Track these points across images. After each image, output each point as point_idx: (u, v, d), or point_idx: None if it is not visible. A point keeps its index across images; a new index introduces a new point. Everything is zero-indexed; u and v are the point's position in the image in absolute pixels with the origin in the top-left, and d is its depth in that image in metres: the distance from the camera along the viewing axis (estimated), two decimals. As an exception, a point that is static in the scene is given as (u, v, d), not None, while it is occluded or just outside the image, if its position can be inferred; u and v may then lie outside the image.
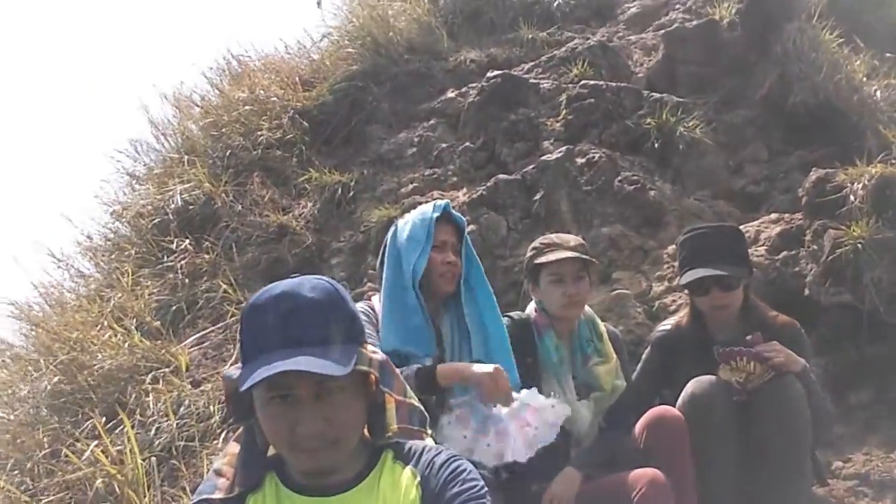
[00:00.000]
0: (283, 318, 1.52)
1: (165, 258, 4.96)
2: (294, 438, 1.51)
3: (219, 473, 1.66)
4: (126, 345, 4.19)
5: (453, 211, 3.22)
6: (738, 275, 3.32)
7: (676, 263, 3.59)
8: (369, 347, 1.67)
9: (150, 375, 4.02)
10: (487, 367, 2.84)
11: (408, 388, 1.82)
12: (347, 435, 1.59)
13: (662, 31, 6.48)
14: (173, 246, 5.02)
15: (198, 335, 4.26)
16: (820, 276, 4.25)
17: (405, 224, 3.15)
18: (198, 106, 6.42)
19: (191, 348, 4.26)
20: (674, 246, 4.75)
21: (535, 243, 3.49)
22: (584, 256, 3.31)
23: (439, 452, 1.72)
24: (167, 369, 4.04)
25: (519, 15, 7.51)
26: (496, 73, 6.17)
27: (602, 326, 3.56)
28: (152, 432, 3.73)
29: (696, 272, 3.28)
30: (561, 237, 3.46)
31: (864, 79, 5.48)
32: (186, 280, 4.82)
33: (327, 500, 1.61)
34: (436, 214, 3.11)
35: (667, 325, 3.67)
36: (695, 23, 6.14)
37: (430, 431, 1.88)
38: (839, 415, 3.82)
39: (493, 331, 3.14)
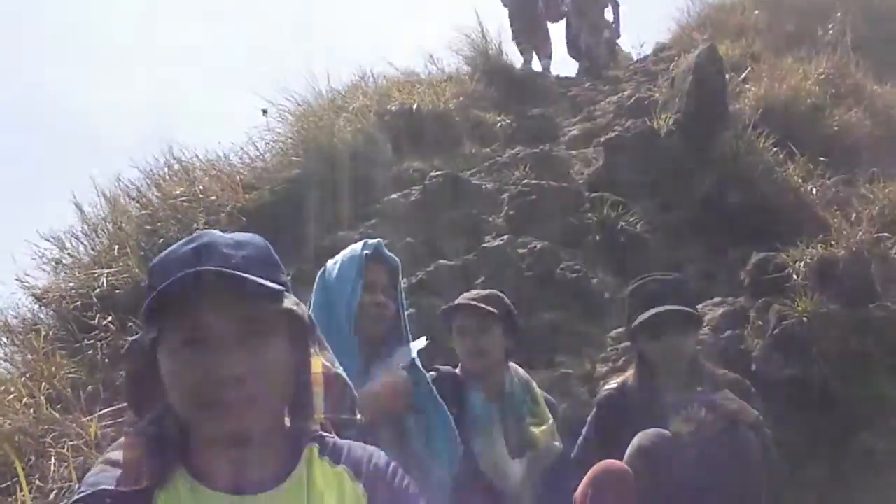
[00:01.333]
0: (196, 253, 1.30)
1: (85, 339, 4.68)
2: (208, 389, 1.24)
3: (114, 464, 1.32)
4: (31, 411, 3.87)
5: (385, 251, 3.05)
6: (691, 312, 3.23)
7: (626, 316, 3.47)
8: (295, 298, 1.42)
9: (51, 438, 3.68)
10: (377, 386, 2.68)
11: (334, 357, 1.53)
12: (272, 393, 1.33)
13: (603, 138, 6.63)
14: (94, 323, 4.75)
15: (112, 409, 3.94)
16: (767, 350, 4.19)
17: (334, 264, 2.92)
18: (133, 199, 6.30)
19: (103, 424, 3.94)
20: (617, 330, 4.69)
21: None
22: (481, 306, 3.22)
23: (376, 454, 1.52)
24: (74, 441, 3.71)
25: (462, 134, 7.67)
26: (438, 172, 6.20)
27: (538, 391, 3.48)
28: (51, 497, 3.36)
29: (655, 309, 3.17)
30: (475, 292, 3.42)
31: (800, 181, 5.61)
32: (106, 360, 4.53)
33: (253, 497, 1.32)
34: (366, 252, 2.92)
35: (612, 384, 3.53)
36: (634, 131, 6.28)
37: (359, 417, 1.62)
38: (793, 491, 3.66)
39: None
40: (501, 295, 3.38)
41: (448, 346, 4.31)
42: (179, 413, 1.30)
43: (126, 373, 1.38)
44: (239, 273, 1.25)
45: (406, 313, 3.08)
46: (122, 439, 1.36)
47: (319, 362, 1.46)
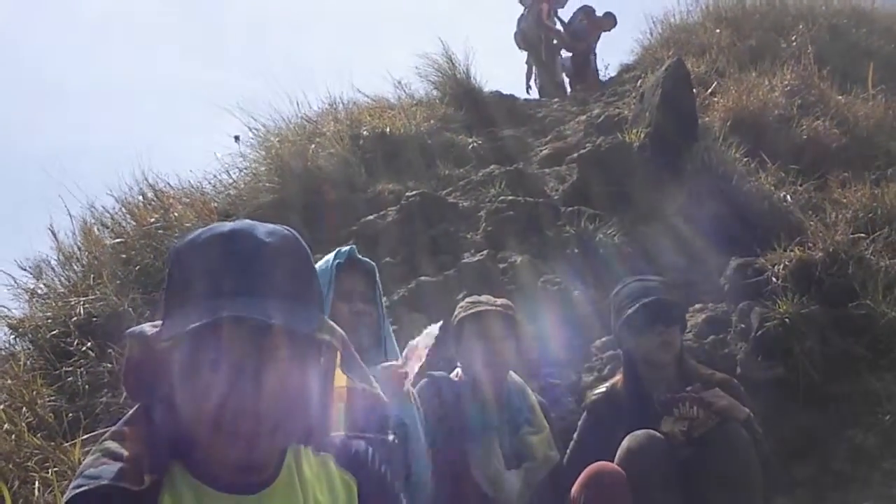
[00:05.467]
0: (231, 259, 1.20)
1: (64, 367, 4.59)
2: (223, 417, 1.18)
3: (114, 456, 1.23)
4: (13, 437, 3.78)
5: (360, 256, 3.00)
6: (676, 302, 3.25)
7: (612, 316, 3.47)
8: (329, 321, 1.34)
9: (34, 463, 3.60)
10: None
11: (371, 377, 1.45)
12: (293, 421, 1.27)
13: (576, 154, 6.66)
14: (72, 349, 4.67)
15: (94, 434, 3.85)
16: (750, 352, 4.20)
17: None
18: (107, 227, 6.23)
19: (86, 451, 3.85)
20: (602, 339, 4.69)
21: (462, 303, 3.39)
22: (508, 313, 3.21)
23: (355, 442, 1.51)
24: (58, 467, 3.63)
25: (436, 156, 7.68)
26: (415, 192, 6.19)
27: (533, 398, 3.43)
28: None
29: (642, 300, 3.19)
30: (488, 298, 3.36)
31: (773, 188, 5.68)
32: (87, 387, 4.44)
33: (255, 497, 1.29)
34: (338, 261, 2.87)
35: (601, 389, 3.53)
36: (607, 146, 6.32)
37: (391, 436, 1.58)
38: (785, 491, 3.66)
39: None
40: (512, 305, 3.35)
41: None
42: (187, 426, 1.24)
43: (125, 361, 1.30)
44: (277, 324, 1.17)
45: (388, 322, 3.05)
46: (119, 428, 1.29)
47: (343, 376, 1.42)
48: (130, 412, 1.32)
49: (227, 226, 1.25)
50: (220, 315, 1.14)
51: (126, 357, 1.31)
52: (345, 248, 2.94)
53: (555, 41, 12.10)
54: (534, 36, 12.06)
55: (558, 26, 12.23)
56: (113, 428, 1.30)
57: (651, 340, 3.21)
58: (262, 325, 1.16)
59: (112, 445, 1.26)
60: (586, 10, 12.22)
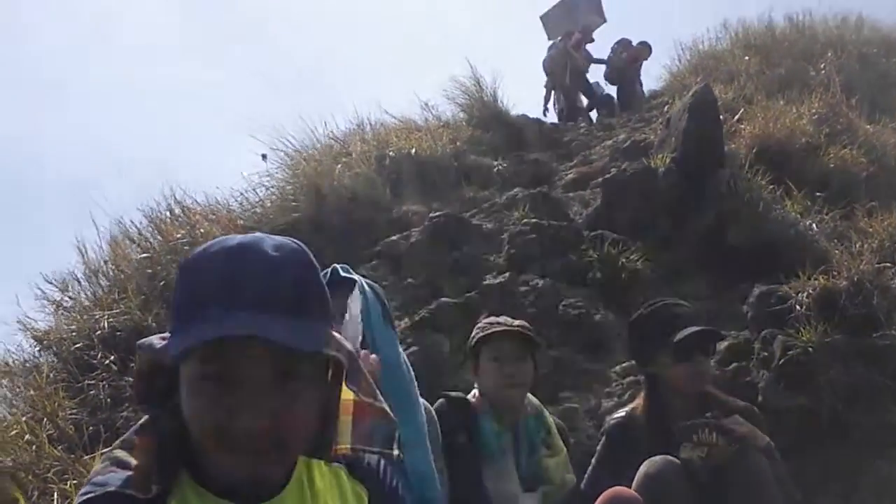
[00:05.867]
0: (238, 274, 1.19)
1: (87, 380, 4.63)
2: (230, 432, 1.17)
3: (123, 465, 1.23)
4: (33, 448, 3.82)
5: (343, 273, 2.78)
6: (720, 334, 3.24)
7: (636, 338, 3.42)
8: (336, 334, 1.34)
9: (53, 475, 3.62)
10: None
11: (377, 391, 1.50)
12: (299, 437, 1.26)
13: (600, 179, 6.66)
14: (95, 362, 4.71)
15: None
16: (773, 380, 4.15)
17: None
18: (134, 242, 6.30)
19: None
20: (622, 365, 4.66)
21: (480, 323, 3.38)
22: (526, 334, 3.19)
23: (367, 454, 1.51)
24: (77, 480, 3.65)
25: (461, 177, 7.72)
26: (439, 213, 6.21)
27: (551, 420, 3.42)
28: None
29: (688, 330, 3.12)
30: (506, 318, 3.34)
31: (799, 216, 5.64)
32: (108, 400, 4.48)
33: None
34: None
35: (620, 413, 3.48)
36: (632, 171, 6.31)
37: (396, 451, 1.58)
38: (808, 524, 3.60)
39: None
40: (529, 326, 3.33)
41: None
42: (195, 439, 1.23)
43: (135, 371, 1.31)
44: (291, 346, 1.16)
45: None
46: (128, 437, 1.30)
47: (349, 410, 1.44)
48: (140, 421, 1.32)
49: (235, 239, 1.24)
50: (221, 334, 1.14)
51: (136, 368, 1.31)
52: (329, 268, 2.85)
53: (581, 68, 12.32)
54: (560, 62, 12.24)
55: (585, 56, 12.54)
56: (123, 437, 1.30)
57: (688, 370, 3.16)
58: (266, 342, 1.16)
59: (121, 454, 1.26)
60: (623, 44, 12.57)
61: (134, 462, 1.24)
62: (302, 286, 1.23)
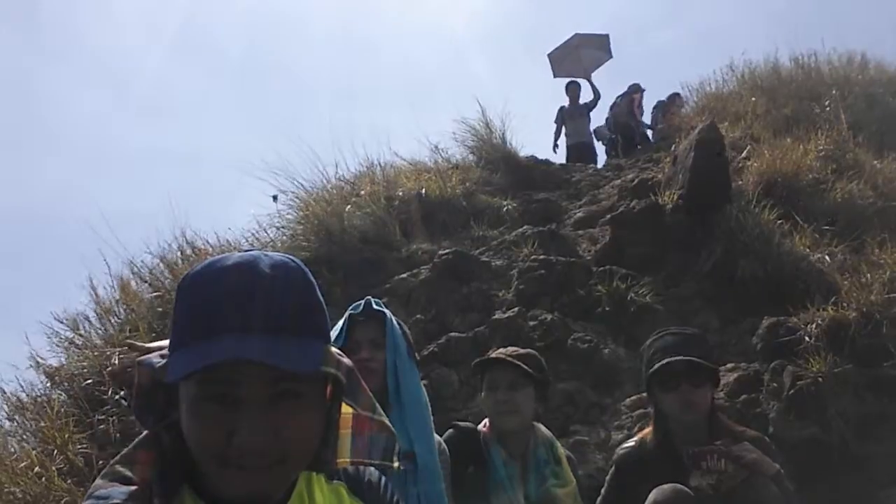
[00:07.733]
0: (234, 296, 1.18)
1: (97, 415, 4.65)
2: (229, 451, 1.16)
3: (124, 480, 1.22)
4: (43, 481, 3.82)
5: (374, 306, 2.94)
6: (707, 364, 3.16)
7: (643, 367, 3.43)
8: (334, 349, 1.33)
9: (65, 507, 3.64)
10: None
11: (376, 404, 1.49)
12: (300, 454, 1.26)
13: (609, 216, 6.69)
14: (106, 398, 4.73)
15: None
16: (784, 411, 4.14)
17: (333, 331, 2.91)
18: (146, 282, 6.34)
19: (114, 499, 3.87)
20: (631, 398, 4.65)
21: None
22: (517, 362, 3.17)
23: (368, 470, 1.51)
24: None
25: (470, 217, 7.77)
26: (448, 250, 6.25)
27: (561, 450, 3.39)
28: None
29: (668, 359, 3.11)
30: (513, 349, 3.34)
31: (807, 250, 5.64)
32: (118, 435, 4.49)
33: None
34: (351, 312, 2.87)
35: (630, 442, 3.46)
36: (640, 208, 6.35)
37: (396, 463, 1.58)
38: (820, 553, 3.56)
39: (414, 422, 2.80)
40: (539, 357, 3.32)
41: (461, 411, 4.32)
42: (194, 457, 1.23)
43: (135, 388, 1.29)
44: (284, 367, 1.16)
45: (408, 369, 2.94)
46: (129, 452, 1.29)
47: (348, 424, 1.43)
48: (140, 437, 1.32)
49: (233, 258, 1.24)
50: (222, 358, 1.14)
51: (136, 383, 1.30)
52: (360, 301, 2.94)
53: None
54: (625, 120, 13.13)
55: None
56: (123, 451, 1.30)
57: (676, 399, 3.14)
58: (262, 363, 1.16)
59: (122, 469, 1.25)
60: (660, 106, 13.35)
61: (135, 477, 1.24)
62: (299, 305, 1.24)
